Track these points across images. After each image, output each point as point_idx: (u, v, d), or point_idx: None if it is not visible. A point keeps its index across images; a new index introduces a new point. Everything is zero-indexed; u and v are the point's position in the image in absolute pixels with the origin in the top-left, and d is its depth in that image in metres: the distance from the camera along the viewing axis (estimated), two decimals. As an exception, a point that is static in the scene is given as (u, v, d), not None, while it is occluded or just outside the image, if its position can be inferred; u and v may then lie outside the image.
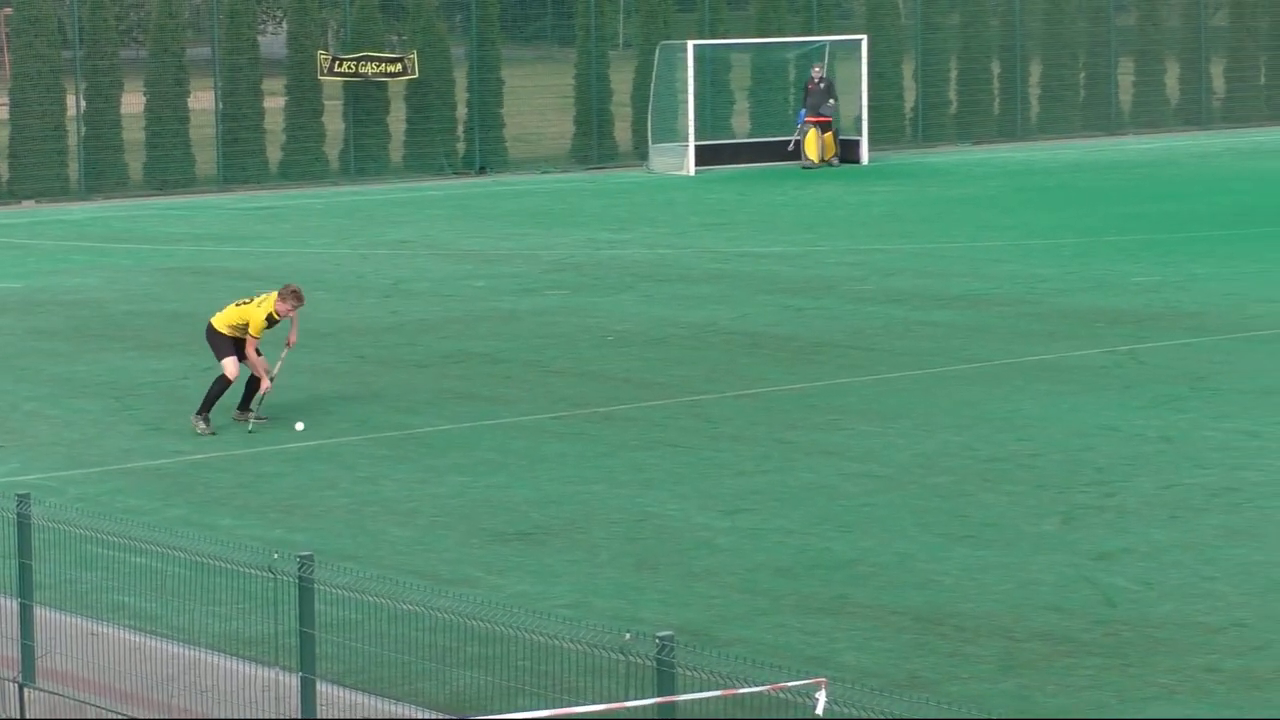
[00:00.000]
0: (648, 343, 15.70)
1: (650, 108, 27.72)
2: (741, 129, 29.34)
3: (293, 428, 11.31)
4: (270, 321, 12.11)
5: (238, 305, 12.07)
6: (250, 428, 11.93)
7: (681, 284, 19.02)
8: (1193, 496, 10.52)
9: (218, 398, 11.88)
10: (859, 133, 27.95)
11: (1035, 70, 31.77)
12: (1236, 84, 33.42)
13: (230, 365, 11.86)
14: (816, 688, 6.22)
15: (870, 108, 28.12)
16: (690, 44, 26.99)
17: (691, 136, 26.75)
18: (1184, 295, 17.47)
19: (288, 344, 12.23)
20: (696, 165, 26.64)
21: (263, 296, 12.13)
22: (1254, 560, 9.35)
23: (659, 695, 5.65)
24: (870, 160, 27.83)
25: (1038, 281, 17.66)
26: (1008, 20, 31.80)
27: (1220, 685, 7.78)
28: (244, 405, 12.05)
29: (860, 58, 28.03)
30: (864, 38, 28.46)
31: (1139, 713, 7.58)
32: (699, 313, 17.05)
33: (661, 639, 5.53)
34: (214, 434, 11.73)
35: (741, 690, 5.89)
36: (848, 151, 27.39)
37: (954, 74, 31.03)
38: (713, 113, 28.25)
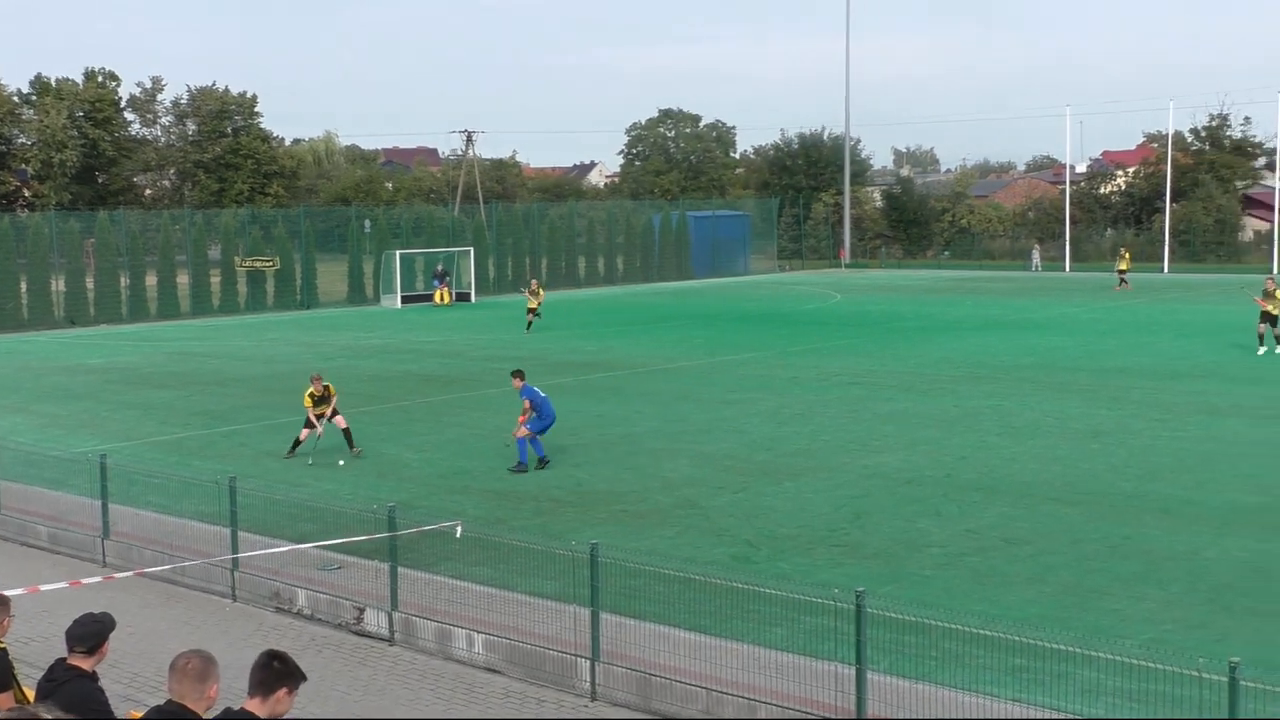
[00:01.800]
0: (379, 378, 46.28)
1: (380, 278, 61.51)
2: (419, 288, 63.18)
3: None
4: (313, 398, 23.07)
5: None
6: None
7: (396, 353, 47.66)
8: (599, 442, 23.13)
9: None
10: (471, 289, 62.48)
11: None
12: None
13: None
14: (455, 525, 14.39)
15: (476, 277, 63.00)
16: (397, 253, 60.97)
17: (399, 291, 60.44)
18: (609, 354, 38.73)
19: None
20: (402, 304, 60.24)
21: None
22: (642, 468, 23.40)
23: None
24: (476, 300, 62.07)
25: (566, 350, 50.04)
26: (531, 241, 68.48)
27: (625, 519, 17.34)
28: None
29: (470, 257, 62.88)
30: (471, 249, 63.41)
31: (594, 531, 16.91)
32: (403, 366, 42.91)
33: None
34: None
35: (400, 533, 20.83)
36: (463, 298, 61.61)
37: (510, 262, 67.11)
38: (406, 281, 62.09)
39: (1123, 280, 61.58)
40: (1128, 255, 65.19)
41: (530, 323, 44.92)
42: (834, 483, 19.85)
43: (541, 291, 46.88)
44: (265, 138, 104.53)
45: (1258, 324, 34.85)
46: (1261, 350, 33.88)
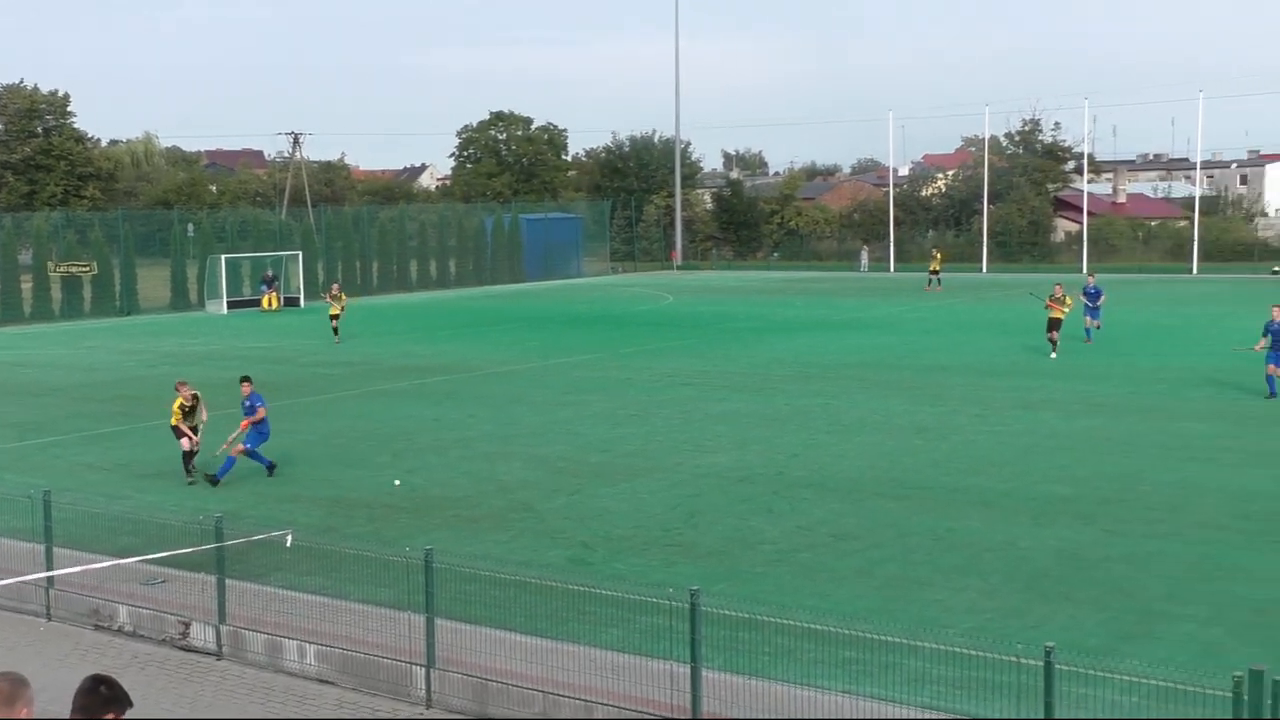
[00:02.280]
0: (204, 385, 46.17)
1: (205, 283, 59.91)
2: (246, 293, 61.73)
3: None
4: (183, 409, 21.08)
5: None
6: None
7: (222, 359, 45.15)
8: (433, 446, 27.82)
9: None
10: (299, 293, 61.30)
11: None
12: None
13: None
14: (286, 535, 13.87)
15: (305, 282, 61.89)
16: (222, 258, 59.45)
17: (224, 296, 58.93)
18: (442, 358, 39.17)
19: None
20: (228, 309, 58.76)
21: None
22: (476, 472, 27.56)
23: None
24: (305, 305, 60.95)
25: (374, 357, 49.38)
26: (361, 245, 67.15)
27: (462, 525, 17.14)
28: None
29: (299, 262, 61.69)
30: (300, 252, 62.22)
31: (428, 536, 16.50)
32: (230, 373, 39.24)
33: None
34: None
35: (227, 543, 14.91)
36: (292, 303, 60.39)
37: (340, 267, 65.78)
38: (232, 286, 60.60)
39: (935, 280, 62.90)
40: (939, 256, 66.88)
41: (336, 329, 42.79)
42: (668, 483, 20.01)
43: (344, 297, 44.78)
44: (79, 138, 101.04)
45: (1047, 331, 34.62)
46: (1054, 355, 34.02)
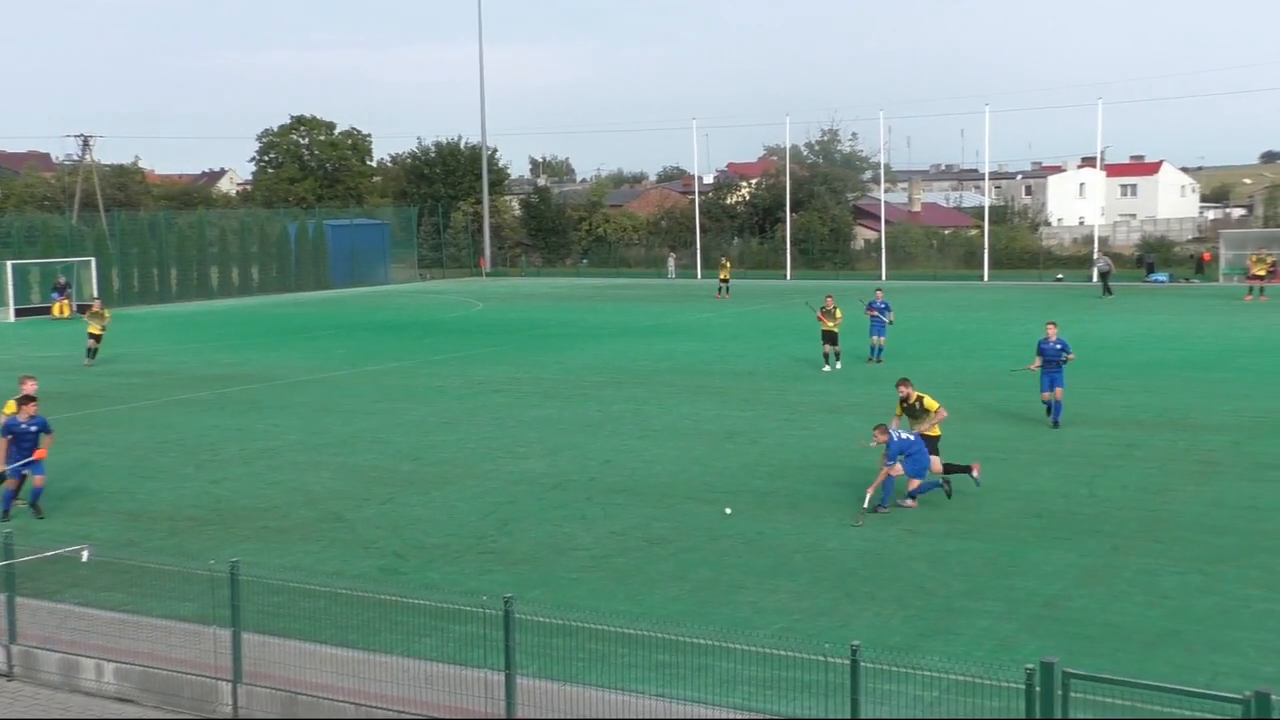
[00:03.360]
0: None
1: (-11, 290, 57.16)
2: (35, 301, 59.10)
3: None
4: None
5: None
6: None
7: (10, 370, 43.00)
8: (238, 457, 28.79)
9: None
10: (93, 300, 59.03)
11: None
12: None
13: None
14: (82, 550, 12.94)
15: (99, 289, 59.59)
16: (9, 264, 56.79)
17: (12, 304, 56.30)
18: (246, 367, 38.89)
19: None
20: (16, 317, 56.16)
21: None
22: (284, 482, 26.45)
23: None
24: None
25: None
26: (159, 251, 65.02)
27: (270, 537, 19.08)
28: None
29: (92, 268, 59.36)
30: (93, 259, 59.89)
31: (234, 549, 20.90)
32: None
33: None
34: None
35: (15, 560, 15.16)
36: (84, 309, 58.00)
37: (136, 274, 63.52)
38: (21, 293, 57.93)
39: (725, 288, 62.95)
40: (728, 264, 67.59)
41: (93, 350, 38.57)
42: (481, 490, 19.90)
43: (107, 314, 41.00)
44: None
45: (822, 344, 33.80)
46: (827, 368, 33.19)
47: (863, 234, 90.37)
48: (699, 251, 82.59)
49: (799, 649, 10.82)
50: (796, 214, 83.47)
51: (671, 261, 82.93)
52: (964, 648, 12.27)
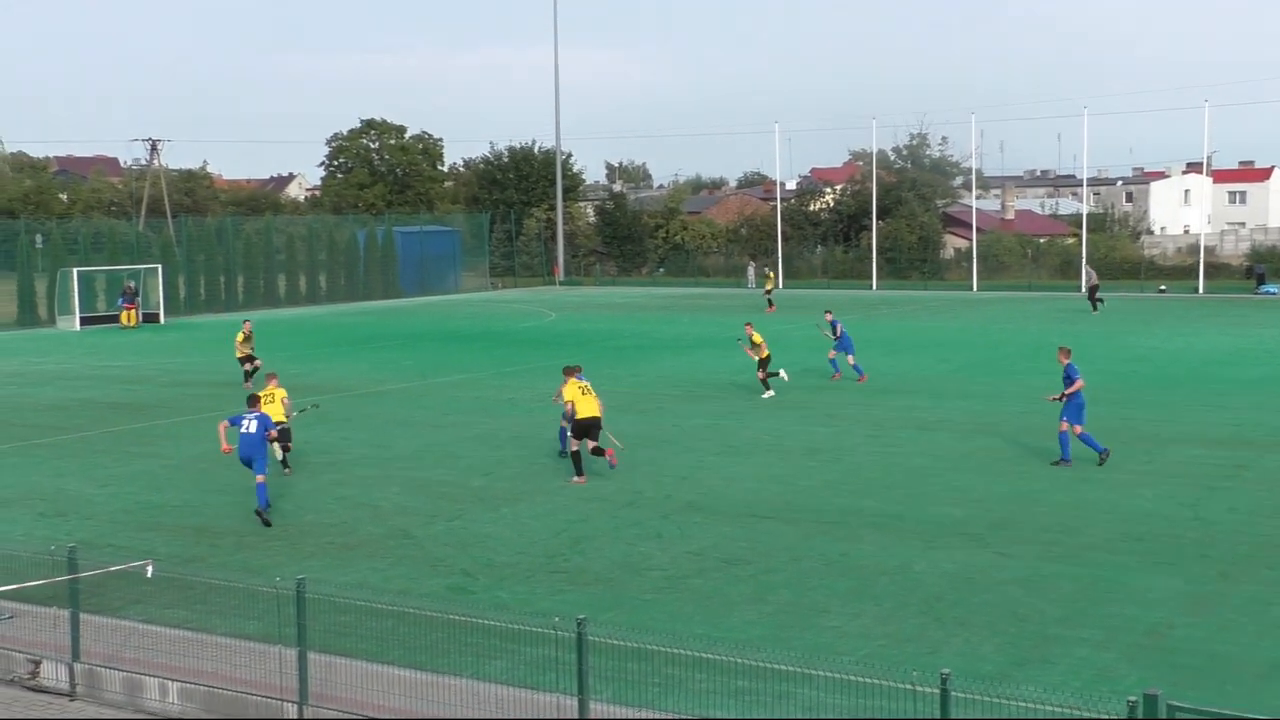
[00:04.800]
0: (56, 408, 33.30)
1: (55, 298, 58.36)
2: (101, 308, 60.31)
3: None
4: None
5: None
6: None
7: (75, 380, 39.97)
8: (303, 470, 28.75)
9: None
10: (159, 309, 60.07)
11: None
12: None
13: None
14: (146, 565, 13.24)
15: (165, 297, 60.63)
16: (75, 270, 58.00)
17: (77, 312, 57.50)
18: (313, 378, 38.92)
19: None
20: (81, 325, 57.32)
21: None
22: (350, 497, 22.16)
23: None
24: (166, 321, 59.80)
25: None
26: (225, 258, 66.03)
27: (336, 554, 17.33)
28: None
29: (159, 275, 60.44)
30: (160, 266, 60.98)
31: (300, 565, 16.94)
32: (84, 394, 35.17)
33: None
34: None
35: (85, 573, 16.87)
36: (151, 319, 59.11)
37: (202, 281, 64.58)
38: (86, 301, 59.15)
39: (768, 299, 61.64)
40: (772, 275, 66.74)
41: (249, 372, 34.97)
42: (553, 507, 19.96)
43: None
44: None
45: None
46: (767, 394, 31.42)
47: (953, 242, 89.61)
48: (780, 260, 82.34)
49: (885, 676, 10.71)
50: (883, 221, 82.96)
51: (751, 270, 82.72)
52: (1060, 678, 12.09)
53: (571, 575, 16.23)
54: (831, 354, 35.17)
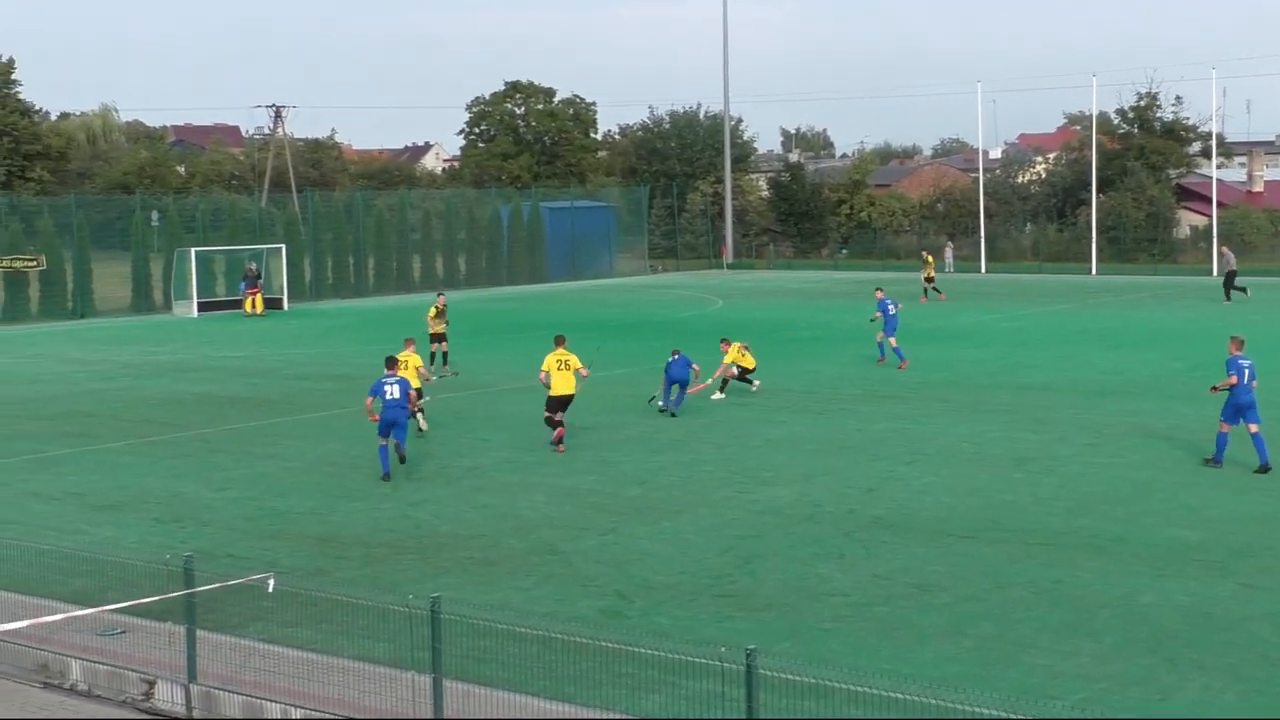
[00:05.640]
0: (171, 402, 33.46)
1: (171, 281, 60.37)
2: (220, 293, 62.16)
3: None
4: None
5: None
6: None
7: (192, 371, 40.37)
8: (439, 475, 27.80)
9: None
10: (282, 293, 61.66)
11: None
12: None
13: None
14: (267, 579, 13.78)
15: (289, 280, 62.20)
16: (192, 251, 59.93)
17: (195, 297, 59.39)
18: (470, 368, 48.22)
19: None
20: (199, 311, 59.17)
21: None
22: (492, 506, 22.59)
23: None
24: (289, 308, 61.38)
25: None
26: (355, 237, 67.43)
27: (475, 569, 17.32)
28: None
29: (282, 256, 62.07)
30: (283, 246, 62.63)
31: (435, 582, 16.99)
32: (201, 388, 35.48)
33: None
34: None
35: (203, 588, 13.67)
36: (273, 305, 60.70)
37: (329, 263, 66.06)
38: (204, 285, 61.08)
39: (933, 288, 60.57)
40: (931, 260, 64.64)
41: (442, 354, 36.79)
42: (718, 521, 19.95)
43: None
44: (26, 111, 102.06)
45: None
46: (717, 396, 31.64)
47: (1188, 219, 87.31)
48: (982, 240, 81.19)
49: (1106, 726, 10.47)
50: (1104, 195, 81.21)
51: (948, 252, 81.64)
52: (1317, 733, 11.67)
53: (740, 599, 16.20)
54: (893, 341, 37.10)
